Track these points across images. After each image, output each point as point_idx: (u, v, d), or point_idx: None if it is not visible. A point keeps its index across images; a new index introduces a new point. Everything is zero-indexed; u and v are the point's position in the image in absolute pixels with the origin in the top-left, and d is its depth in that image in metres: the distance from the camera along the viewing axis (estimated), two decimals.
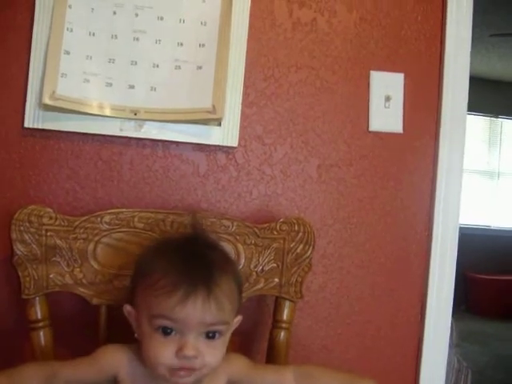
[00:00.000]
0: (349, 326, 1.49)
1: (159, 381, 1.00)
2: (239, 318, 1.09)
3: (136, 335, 1.03)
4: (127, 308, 1.05)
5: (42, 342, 1.17)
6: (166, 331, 0.97)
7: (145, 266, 1.04)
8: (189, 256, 1.01)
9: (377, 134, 1.45)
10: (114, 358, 1.06)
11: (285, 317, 1.27)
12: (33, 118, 1.30)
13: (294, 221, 1.26)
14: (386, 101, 1.45)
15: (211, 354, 0.99)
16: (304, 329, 1.45)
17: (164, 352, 0.96)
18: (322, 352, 1.49)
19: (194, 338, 0.97)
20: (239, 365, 1.10)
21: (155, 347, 0.97)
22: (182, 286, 0.96)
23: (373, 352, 1.50)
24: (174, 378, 0.97)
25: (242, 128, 1.38)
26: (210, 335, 0.99)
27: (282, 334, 1.27)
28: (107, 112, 1.30)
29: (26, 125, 1.30)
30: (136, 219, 1.21)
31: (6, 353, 1.33)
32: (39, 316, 1.17)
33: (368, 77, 1.45)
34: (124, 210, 1.22)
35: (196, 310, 0.96)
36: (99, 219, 1.20)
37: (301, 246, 1.26)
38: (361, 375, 1.12)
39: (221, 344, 1.01)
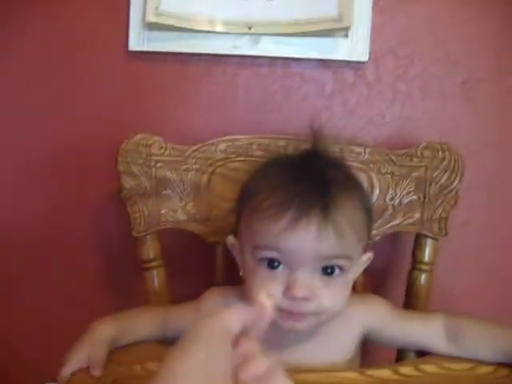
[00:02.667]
0: (497, 265, 1.29)
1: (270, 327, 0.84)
2: (369, 255, 0.90)
3: (241, 273, 0.88)
4: (230, 240, 0.91)
5: (156, 282, 1.07)
6: (273, 264, 0.80)
7: (250, 187, 0.88)
8: (303, 172, 0.82)
9: None
10: (218, 304, 0.93)
11: (426, 257, 1.09)
12: (137, 40, 1.18)
13: (438, 146, 1.06)
14: None
15: (329, 296, 0.80)
16: (444, 270, 1.26)
17: (269, 289, 0.79)
18: (465, 296, 1.30)
19: (306, 274, 0.79)
20: (379, 311, 0.93)
21: (259, 283, 0.81)
22: (292, 206, 0.77)
23: None
24: (283, 323, 0.80)
25: (373, 39, 1.17)
26: (329, 271, 0.80)
27: (423, 276, 1.09)
28: (218, 27, 1.15)
29: (131, 47, 1.18)
30: (254, 146, 1.07)
31: (119, 293, 1.27)
32: (151, 255, 1.07)
33: None
34: (241, 136, 1.07)
35: (309, 238, 0.77)
36: (213, 148, 1.06)
37: (446, 176, 1.07)
38: None
39: (342, 284, 0.82)
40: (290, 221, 0.77)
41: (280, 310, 0.79)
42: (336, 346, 0.90)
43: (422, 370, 0.83)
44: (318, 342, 0.88)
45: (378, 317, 0.92)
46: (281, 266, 0.80)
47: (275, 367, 0.54)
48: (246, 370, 0.52)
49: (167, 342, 0.95)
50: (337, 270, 0.81)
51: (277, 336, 0.85)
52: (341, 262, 0.80)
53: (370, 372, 0.81)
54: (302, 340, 0.87)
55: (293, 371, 0.79)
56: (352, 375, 0.81)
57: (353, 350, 0.92)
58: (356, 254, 0.84)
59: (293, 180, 0.81)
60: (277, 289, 0.79)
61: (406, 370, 0.83)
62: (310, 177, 0.81)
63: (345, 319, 0.89)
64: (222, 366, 0.51)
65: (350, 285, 0.86)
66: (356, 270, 0.88)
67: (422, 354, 0.92)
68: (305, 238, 0.77)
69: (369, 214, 0.87)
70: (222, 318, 0.56)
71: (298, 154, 0.91)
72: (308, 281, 0.79)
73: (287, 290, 0.78)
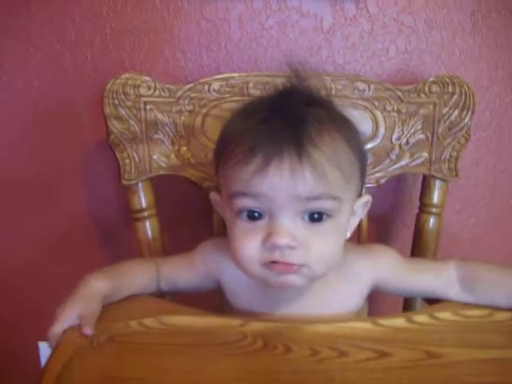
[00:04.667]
0: (507, 210, 1.24)
1: (265, 286, 0.77)
2: (367, 197, 0.82)
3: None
4: (212, 196, 0.84)
5: (149, 233, 1.01)
6: (252, 215, 0.72)
7: (221, 137, 0.81)
8: (276, 111, 0.73)
9: None
10: (213, 261, 0.87)
11: (435, 199, 1.04)
12: None
13: (448, 80, 0.99)
14: None
15: (320, 244, 0.72)
16: (451, 214, 1.22)
17: (248, 242, 0.73)
18: (472, 242, 1.26)
19: (288, 220, 0.71)
20: (388, 262, 0.86)
21: (237, 237, 0.74)
22: (262, 146, 0.70)
23: None
24: (273, 280, 0.73)
25: None
26: (315, 216, 0.72)
27: (432, 220, 1.04)
28: None
29: None
30: (251, 85, 0.99)
31: (111, 245, 1.22)
32: (144, 204, 1.00)
33: None
34: (235, 74, 1.00)
35: (283, 179, 0.69)
36: (206, 87, 0.99)
37: (456, 112, 1.00)
38: None
39: (333, 229, 0.74)
40: (260, 162, 0.69)
41: (264, 265, 0.73)
42: (344, 299, 0.84)
43: (437, 317, 0.78)
44: (324, 297, 0.82)
45: (387, 268, 0.85)
46: (261, 216, 0.73)
47: None
48: None
49: (162, 295, 0.89)
50: (324, 215, 0.73)
51: (277, 293, 0.79)
52: (327, 204, 0.72)
53: (383, 321, 0.76)
54: (307, 296, 0.81)
55: (304, 322, 0.76)
56: (365, 325, 0.75)
57: (359, 304, 0.86)
58: (346, 196, 0.75)
59: (263, 120, 0.72)
60: (257, 241, 0.72)
61: (420, 318, 0.77)
62: (283, 115, 0.73)
63: (352, 273, 0.83)
64: None
65: (345, 230, 0.78)
66: (352, 217, 0.80)
67: (432, 300, 0.87)
68: (278, 179, 0.69)
69: (359, 152, 0.78)
70: None
71: (273, 94, 0.81)
72: (290, 227, 0.71)
73: (267, 239, 0.71)
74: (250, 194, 0.71)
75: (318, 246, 0.73)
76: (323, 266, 0.75)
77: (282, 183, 0.69)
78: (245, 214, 0.73)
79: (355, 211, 0.81)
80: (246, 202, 0.72)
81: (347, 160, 0.75)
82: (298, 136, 0.70)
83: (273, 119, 0.72)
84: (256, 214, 0.73)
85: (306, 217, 0.72)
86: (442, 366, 0.68)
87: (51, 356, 0.69)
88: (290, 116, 0.72)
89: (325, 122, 0.74)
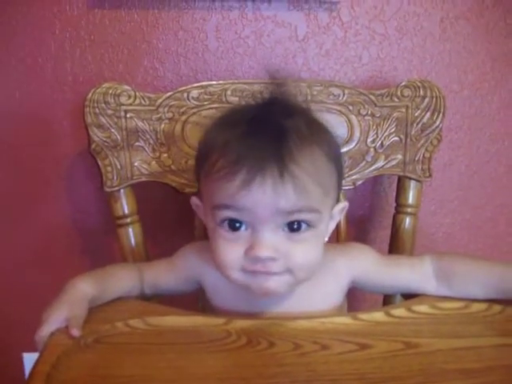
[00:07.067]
0: (479, 210, 1.28)
1: (248, 290, 0.79)
2: (343, 204, 0.85)
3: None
4: (194, 201, 0.86)
5: (132, 239, 1.03)
6: (234, 225, 0.75)
7: (204, 146, 0.81)
8: (257, 125, 0.74)
9: None
10: (194, 264, 0.89)
11: (410, 200, 1.07)
12: None
13: (419, 84, 1.03)
14: None
15: (300, 252, 0.75)
16: (426, 215, 1.25)
17: (230, 251, 0.76)
18: (447, 241, 1.29)
19: (270, 232, 0.74)
20: (365, 259, 0.88)
21: (220, 245, 0.77)
22: (245, 164, 0.71)
23: (508, 241, 1.29)
24: (254, 286, 0.76)
25: None
26: (295, 227, 0.74)
27: (408, 220, 1.07)
28: None
29: None
30: (229, 92, 1.01)
31: (94, 254, 1.23)
32: (126, 211, 1.02)
33: None
34: (214, 82, 1.02)
35: (265, 195, 0.71)
36: (185, 95, 1.01)
37: (428, 115, 1.03)
38: None
39: (312, 238, 0.76)
40: (244, 179, 0.71)
41: (245, 272, 0.76)
42: (326, 297, 0.86)
43: (414, 310, 0.80)
44: (306, 295, 0.83)
45: (365, 265, 0.88)
46: (243, 227, 0.75)
47: None
48: None
49: (146, 299, 0.91)
50: (303, 225, 0.75)
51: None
52: (306, 216, 0.75)
53: (362, 316, 0.78)
54: (289, 295, 0.83)
55: (286, 319, 0.78)
56: (345, 320, 0.78)
57: (340, 300, 0.89)
58: (325, 207, 0.78)
59: (245, 134, 0.74)
60: (239, 250, 0.75)
61: (398, 311, 0.80)
62: (264, 129, 0.74)
63: (331, 270, 0.85)
64: None
65: (324, 239, 0.81)
66: (330, 222, 0.83)
67: (411, 297, 0.89)
68: (261, 195, 0.71)
69: (337, 162, 0.81)
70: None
71: (254, 105, 0.82)
72: (272, 239, 0.74)
73: (249, 250, 0.74)
74: (233, 207, 0.73)
75: (299, 254, 0.75)
76: (305, 272, 0.77)
77: (264, 199, 0.71)
78: (226, 224, 0.75)
79: (333, 215, 0.83)
80: (228, 214, 0.75)
81: (326, 173, 0.78)
82: (280, 153, 0.72)
83: (255, 133, 0.73)
84: (238, 225, 0.75)
85: (286, 227, 0.75)
86: (419, 355, 0.70)
87: (39, 358, 0.69)
88: (272, 130, 0.74)
89: (305, 136, 0.76)
